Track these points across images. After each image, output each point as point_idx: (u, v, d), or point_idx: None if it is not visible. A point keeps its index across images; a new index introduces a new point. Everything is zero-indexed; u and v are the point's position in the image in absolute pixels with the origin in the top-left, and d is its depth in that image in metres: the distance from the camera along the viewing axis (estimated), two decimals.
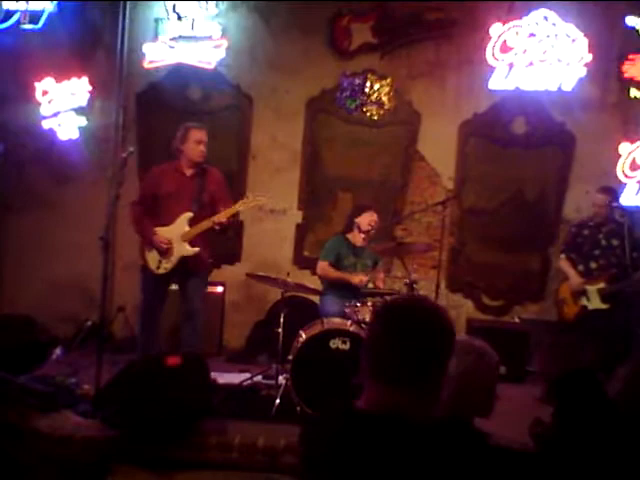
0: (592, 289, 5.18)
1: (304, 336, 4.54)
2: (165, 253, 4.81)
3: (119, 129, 6.76)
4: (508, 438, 2.40)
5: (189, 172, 4.92)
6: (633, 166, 6.41)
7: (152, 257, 4.87)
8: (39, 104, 6.57)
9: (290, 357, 4.45)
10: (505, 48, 6.45)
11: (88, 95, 6.60)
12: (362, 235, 5.36)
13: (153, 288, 4.94)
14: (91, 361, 4.29)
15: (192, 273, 4.87)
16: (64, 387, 4.29)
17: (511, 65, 6.44)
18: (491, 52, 6.46)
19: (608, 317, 5.12)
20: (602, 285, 5.15)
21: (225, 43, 6.58)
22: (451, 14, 6.60)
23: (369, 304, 4.94)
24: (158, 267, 4.85)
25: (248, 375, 4.95)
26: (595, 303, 5.16)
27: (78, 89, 6.57)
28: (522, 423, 2.87)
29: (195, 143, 4.87)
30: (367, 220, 5.36)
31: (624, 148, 6.40)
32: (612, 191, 5.41)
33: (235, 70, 6.75)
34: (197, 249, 4.82)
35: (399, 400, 1.58)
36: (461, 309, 6.72)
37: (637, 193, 6.40)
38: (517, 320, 6.54)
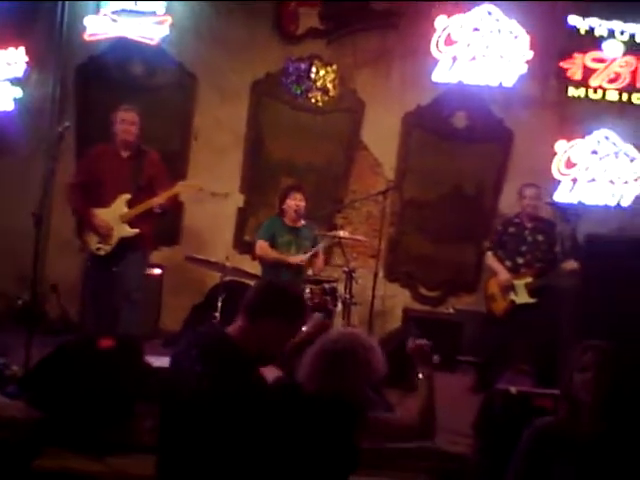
0: (520, 284, 5.32)
1: None
2: (104, 235, 4.79)
3: (56, 102, 6.54)
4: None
5: (125, 154, 4.94)
6: (568, 164, 6.62)
7: (91, 238, 4.86)
8: None
9: None
10: (449, 41, 6.54)
11: (25, 66, 6.36)
12: (292, 216, 5.39)
13: (95, 269, 4.92)
14: (21, 341, 4.16)
15: (132, 254, 4.86)
16: None
17: (454, 58, 6.53)
18: (435, 44, 6.54)
19: (535, 311, 5.26)
20: (529, 280, 5.29)
21: (169, 19, 6.43)
22: (397, 4, 6.64)
23: (307, 290, 4.96)
24: (98, 249, 4.84)
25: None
26: (523, 297, 5.30)
27: (14, 59, 6.33)
28: (455, 411, 2.96)
29: (121, 123, 4.89)
30: (292, 205, 5.39)
31: (560, 146, 6.59)
32: (538, 186, 5.56)
33: (179, 48, 6.61)
34: (137, 230, 4.82)
35: None
36: (398, 299, 6.81)
37: (570, 190, 6.61)
38: (452, 311, 6.68)
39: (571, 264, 5.07)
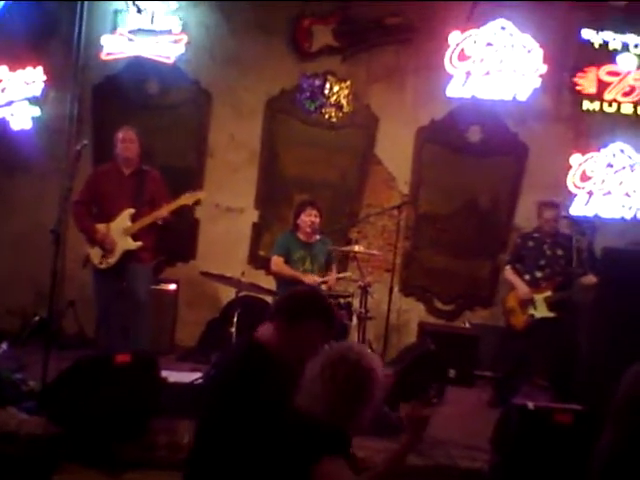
0: (539, 298, 5.29)
1: None
2: (108, 249, 4.93)
3: (73, 121, 6.61)
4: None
5: (128, 171, 5.14)
6: (583, 177, 6.59)
7: (95, 253, 5.00)
8: None
9: None
10: (463, 56, 6.54)
11: (43, 85, 6.44)
12: (307, 232, 5.39)
13: (102, 284, 5.02)
14: (38, 357, 4.20)
15: (136, 267, 4.97)
16: (9, 383, 4.20)
17: (468, 73, 6.53)
18: (449, 60, 6.55)
19: (555, 325, 5.23)
20: (549, 294, 5.26)
21: (185, 38, 6.50)
22: (411, 20, 6.66)
23: None
24: (101, 262, 4.97)
25: (199, 374, 4.91)
26: (542, 311, 5.27)
27: (33, 78, 6.41)
28: (472, 426, 2.94)
29: (121, 142, 5.11)
30: (307, 220, 5.39)
31: (575, 159, 6.57)
32: (557, 205, 5.54)
33: (194, 66, 6.68)
34: (140, 243, 4.97)
35: None
36: (413, 313, 6.79)
37: (586, 204, 6.57)
38: (467, 325, 6.65)
39: (590, 278, 5.04)
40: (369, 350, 2.46)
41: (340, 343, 2.42)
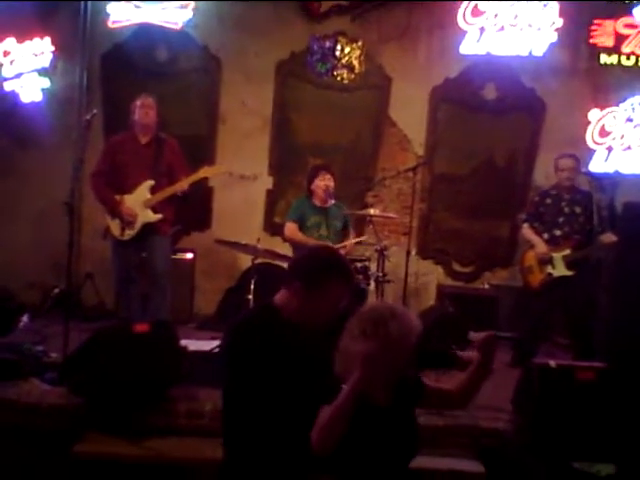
0: (557, 256, 5.21)
1: None
2: (128, 221, 4.89)
3: (83, 91, 6.57)
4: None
5: (144, 140, 5.04)
6: (602, 133, 6.46)
7: (115, 225, 4.96)
8: (0, 65, 6.36)
9: None
10: (476, 12, 6.42)
11: (51, 56, 6.40)
12: (322, 196, 5.32)
13: (122, 255, 4.99)
14: (59, 329, 4.21)
15: (156, 239, 4.93)
16: (31, 355, 4.23)
17: (482, 29, 6.41)
18: (462, 16, 6.42)
19: (572, 283, 5.17)
20: (567, 252, 5.19)
21: (192, 3, 6.41)
22: None
23: None
24: (122, 234, 4.93)
25: (219, 342, 4.92)
26: (560, 270, 5.20)
27: (41, 50, 6.37)
28: (493, 387, 2.91)
29: (140, 107, 5.00)
30: (321, 185, 5.30)
31: (593, 115, 6.44)
32: (575, 156, 5.43)
33: (203, 31, 6.59)
34: (160, 215, 4.91)
35: None
36: (432, 275, 6.75)
37: (606, 160, 6.46)
38: (486, 286, 6.60)
39: (609, 236, 4.94)
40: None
41: (374, 303, 2.42)
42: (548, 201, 5.38)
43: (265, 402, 2.21)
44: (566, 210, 5.28)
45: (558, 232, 5.28)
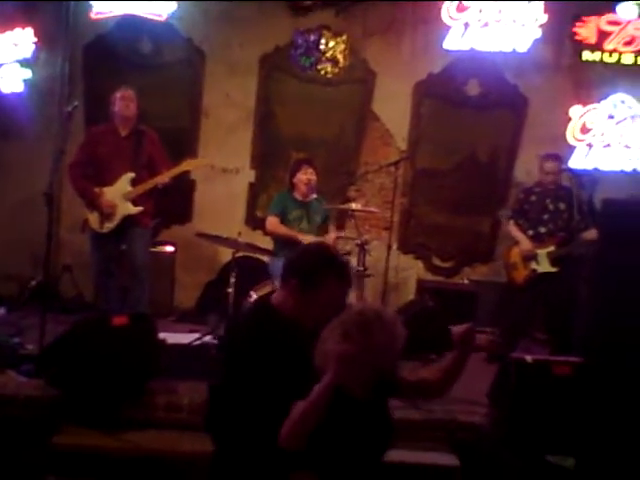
0: (542, 253, 5.26)
1: (254, 296, 4.51)
2: (108, 213, 4.85)
3: (65, 82, 6.52)
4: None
5: (124, 132, 5.00)
6: (583, 129, 6.50)
7: (93, 217, 4.92)
8: None
9: None
10: (461, 7, 6.42)
11: (33, 46, 6.33)
12: (303, 190, 5.31)
13: (101, 248, 4.96)
14: (35, 321, 4.19)
15: (136, 231, 4.91)
16: (7, 347, 4.22)
17: (466, 25, 6.41)
18: (447, 11, 6.42)
19: (557, 279, 5.21)
20: (552, 249, 5.23)
21: None
22: None
23: None
24: (101, 227, 4.90)
25: (198, 335, 4.92)
26: (544, 266, 5.25)
27: (22, 40, 6.30)
28: (470, 381, 2.93)
29: (120, 99, 4.96)
30: (303, 179, 5.28)
31: (575, 111, 6.47)
32: (559, 157, 5.47)
33: (187, 23, 6.54)
34: (140, 208, 4.89)
35: None
36: (412, 270, 6.77)
37: (586, 156, 6.50)
38: (466, 281, 6.63)
39: (592, 233, 4.98)
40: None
41: (355, 304, 2.42)
42: (533, 198, 5.42)
43: (262, 399, 2.20)
44: (550, 207, 5.33)
45: (543, 229, 5.33)
